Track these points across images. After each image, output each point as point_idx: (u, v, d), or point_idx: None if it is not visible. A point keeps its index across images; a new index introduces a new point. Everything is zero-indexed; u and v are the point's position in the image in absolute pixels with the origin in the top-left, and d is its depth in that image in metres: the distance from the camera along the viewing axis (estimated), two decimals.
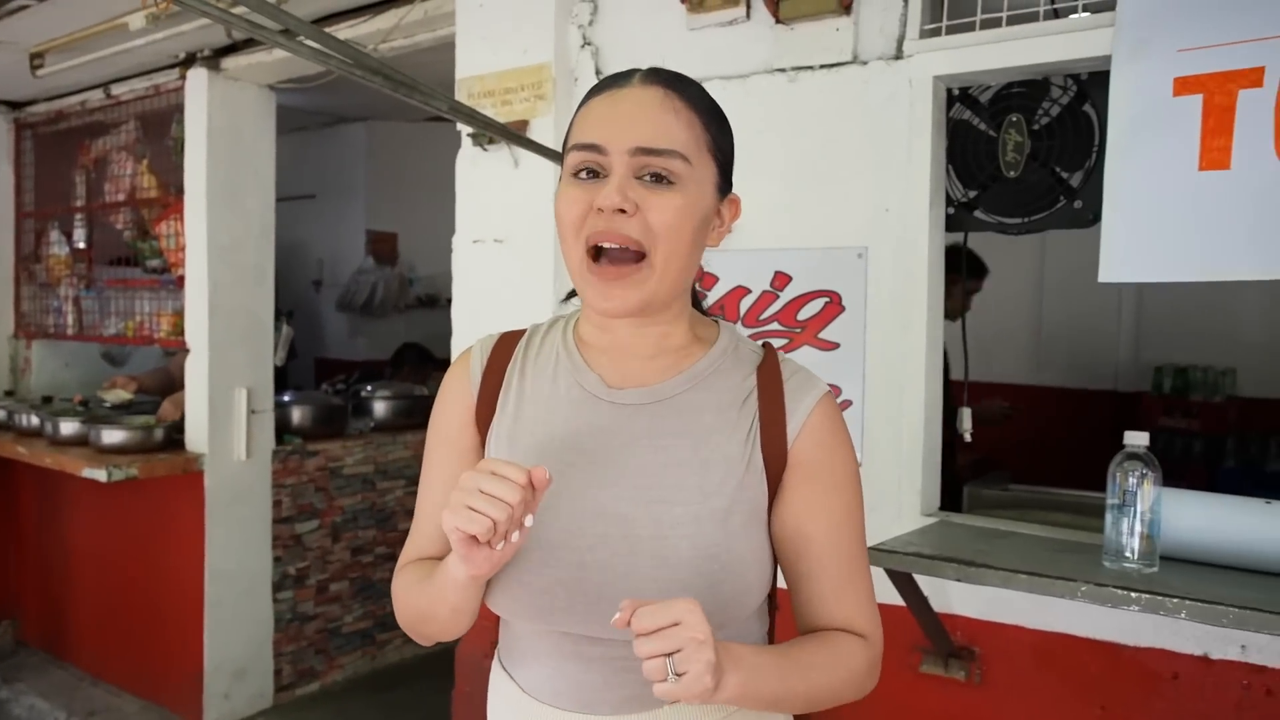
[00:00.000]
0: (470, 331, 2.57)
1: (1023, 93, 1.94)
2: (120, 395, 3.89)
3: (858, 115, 2.03)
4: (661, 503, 0.96)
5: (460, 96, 2.49)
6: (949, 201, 2.02)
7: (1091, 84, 1.84)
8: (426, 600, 1.01)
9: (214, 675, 3.53)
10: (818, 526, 1.00)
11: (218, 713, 3.55)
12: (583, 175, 0.97)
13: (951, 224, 2.03)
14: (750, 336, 2.18)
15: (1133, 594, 1.37)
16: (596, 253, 0.96)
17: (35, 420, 3.80)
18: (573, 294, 1.18)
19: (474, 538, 0.85)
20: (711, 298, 2.19)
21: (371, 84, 1.59)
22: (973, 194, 2.02)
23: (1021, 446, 3.66)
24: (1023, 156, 1.93)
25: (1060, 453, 4.23)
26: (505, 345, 1.10)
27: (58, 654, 4.19)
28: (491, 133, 2.12)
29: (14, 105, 4.38)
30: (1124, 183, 1.64)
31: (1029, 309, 4.66)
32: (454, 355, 2.60)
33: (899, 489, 1.97)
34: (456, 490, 0.85)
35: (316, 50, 1.56)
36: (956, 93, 2.00)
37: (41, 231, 4.37)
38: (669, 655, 0.80)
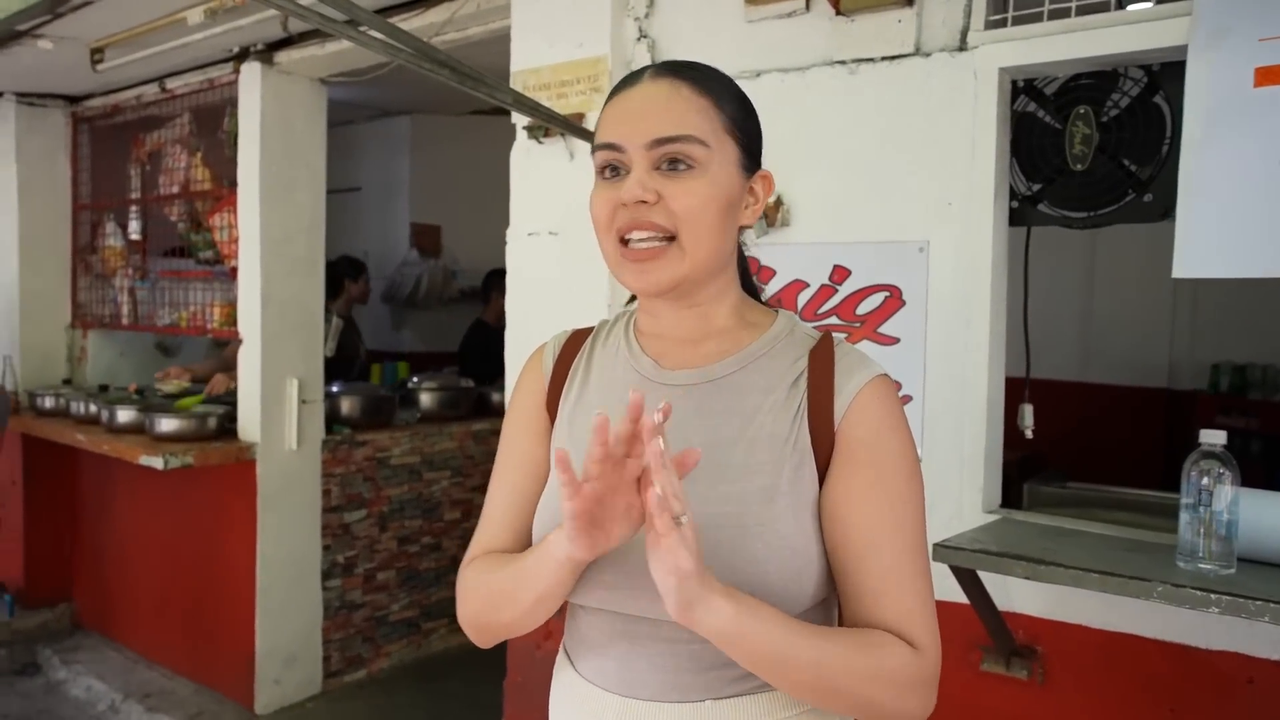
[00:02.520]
0: (524, 323, 2.58)
1: (1091, 84, 1.90)
2: (175, 385, 3.97)
3: (920, 108, 2.01)
4: (706, 480, 0.96)
5: (516, 88, 2.50)
6: (1012, 195, 1.99)
7: (1164, 75, 1.81)
8: (511, 585, 1.00)
9: (265, 661, 3.59)
10: (858, 514, 0.96)
11: (269, 697, 3.61)
12: (607, 174, 1.01)
13: (1015, 218, 2.00)
14: None
15: (1213, 595, 1.34)
16: (626, 241, 1.00)
17: (92, 408, 3.88)
18: (634, 298, 1.18)
19: (590, 523, 0.87)
20: (769, 290, 2.18)
21: (438, 76, 1.60)
22: (1037, 187, 1.98)
23: (1071, 444, 3.61)
24: (1090, 149, 1.89)
25: (1111, 451, 4.18)
26: (576, 340, 1.16)
27: (114, 637, 4.29)
28: (555, 125, 2.13)
29: (71, 99, 4.47)
30: (1201, 176, 1.60)
31: (1079, 304, 4.59)
32: (508, 346, 2.61)
33: (960, 486, 1.95)
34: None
35: (385, 43, 1.57)
36: (1021, 85, 1.97)
37: (98, 223, 4.46)
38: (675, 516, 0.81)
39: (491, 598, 1.03)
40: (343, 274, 4.77)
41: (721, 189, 0.99)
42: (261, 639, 3.58)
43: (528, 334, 2.51)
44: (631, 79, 1.04)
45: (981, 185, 1.94)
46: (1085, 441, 3.97)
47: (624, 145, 0.99)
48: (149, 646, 4.09)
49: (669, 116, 0.98)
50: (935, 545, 1.62)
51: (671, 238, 0.98)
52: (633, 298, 1.18)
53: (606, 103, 1.05)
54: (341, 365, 4.39)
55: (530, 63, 2.51)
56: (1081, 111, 1.90)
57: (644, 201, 0.97)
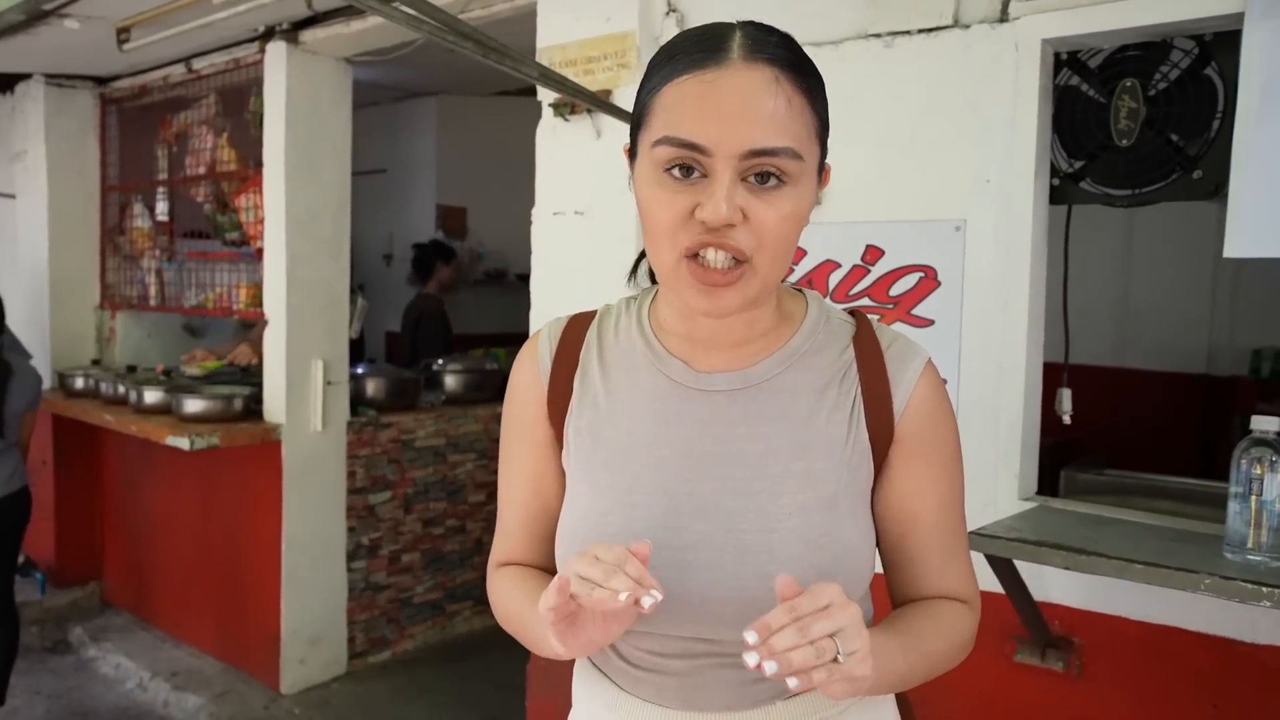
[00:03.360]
0: (550, 304, 2.54)
1: (1138, 56, 1.83)
2: (201, 368, 3.98)
3: (958, 82, 1.94)
4: (765, 494, 0.91)
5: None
6: (1053, 172, 1.93)
7: (1216, 45, 1.73)
8: (522, 625, 0.99)
9: (290, 641, 3.61)
10: (925, 505, 0.97)
11: (294, 678, 3.63)
12: (676, 173, 0.85)
13: (1055, 196, 1.93)
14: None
15: (1264, 589, 1.29)
16: (693, 256, 0.87)
17: (120, 389, 3.90)
18: (637, 266, 1.09)
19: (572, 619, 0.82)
20: (800, 271, 2.13)
21: (463, 49, 1.56)
22: (1079, 164, 1.92)
23: (1106, 431, 3.52)
24: (1136, 124, 1.82)
25: (1148, 437, 4.08)
26: (575, 330, 1.03)
27: (142, 615, 4.33)
28: (582, 100, 2.08)
29: (100, 80, 4.47)
30: (1256, 151, 1.53)
31: (1115, 287, 4.48)
32: (533, 329, 2.58)
33: (996, 472, 1.89)
34: (560, 574, 0.80)
35: (410, 15, 1.54)
36: (1065, 57, 1.90)
37: (126, 204, 4.47)
38: (833, 635, 0.75)
39: (511, 625, 1.02)
40: (434, 256, 4.80)
41: (805, 203, 0.88)
42: (286, 619, 3.59)
43: (553, 316, 2.47)
44: (714, 52, 0.85)
45: (1021, 162, 1.87)
46: (1121, 428, 3.88)
47: (712, 150, 0.82)
48: (176, 625, 4.13)
49: (772, 123, 0.83)
50: (972, 534, 1.57)
51: (743, 259, 0.86)
52: (635, 266, 1.09)
53: (675, 73, 0.86)
54: (436, 348, 4.43)
55: (557, 39, 2.47)
56: (1128, 84, 1.82)
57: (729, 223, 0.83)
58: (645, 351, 0.99)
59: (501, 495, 1.08)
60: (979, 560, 1.60)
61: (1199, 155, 1.76)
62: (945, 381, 1.94)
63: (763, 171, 0.84)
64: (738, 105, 0.83)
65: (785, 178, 0.84)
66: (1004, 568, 1.66)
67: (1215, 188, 1.73)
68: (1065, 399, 2.00)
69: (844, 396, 0.95)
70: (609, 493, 0.96)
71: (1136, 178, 1.83)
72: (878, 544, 1.00)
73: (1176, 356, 4.38)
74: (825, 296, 2.09)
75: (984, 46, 1.91)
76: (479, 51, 1.55)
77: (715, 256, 0.85)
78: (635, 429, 0.97)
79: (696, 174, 0.84)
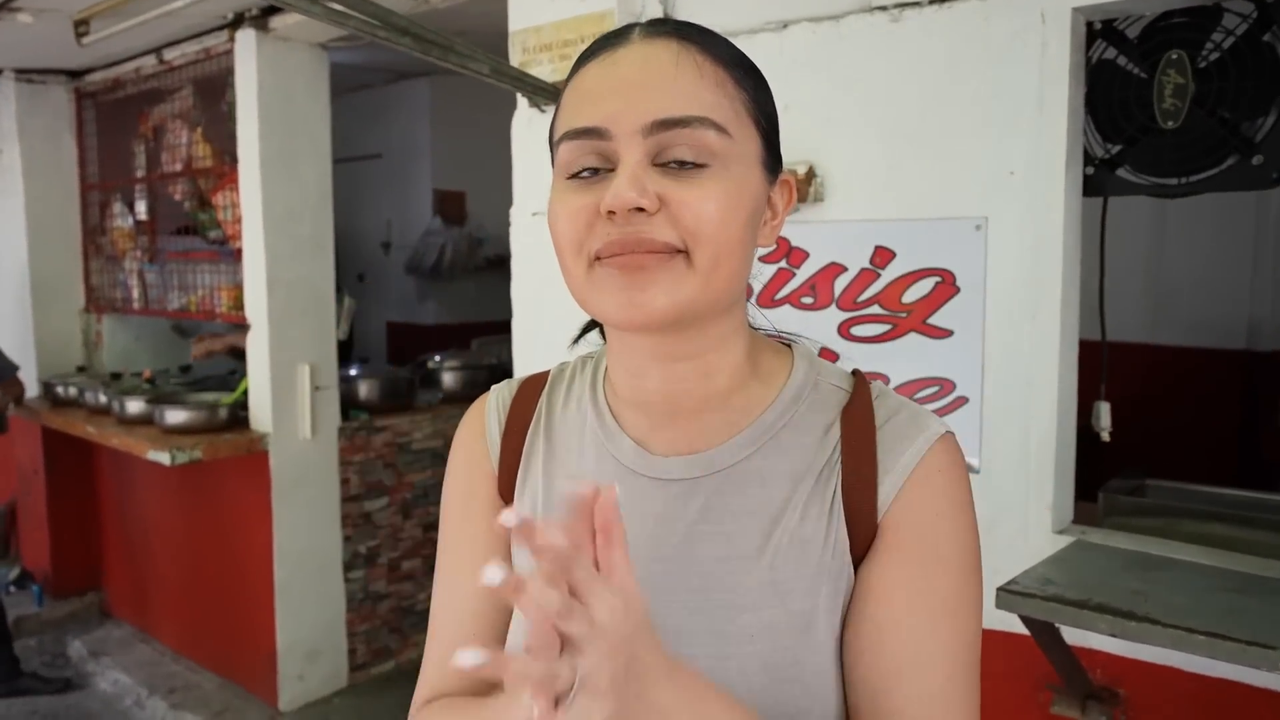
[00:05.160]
0: (532, 312, 2.34)
1: (1185, 23, 1.59)
2: (207, 350, 3.89)
3: (976, 60, 1.71)
4: (723, 609, 0.72)
5: (515, 51, 2.23)
6: (1087, 160, 1.69)
7: (1278, 7, 1.49)
8: None
9: (287, 656, 3.48)
10: (896, 613, 0.71)
11: (292, 693, 3.50)
12: (583, 174, 0.71)
13: (1089, 187, 1.70)
14: (845, 323, 1.91)
15: None
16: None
17: (104, 398, 3.75)
18: (585, 332, 0.90)
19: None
20: (802, 276, 1.91)
21: (400, 46, 1.35)
22: (1116, 149, 1.68)
23: (1141, 413, 3.29)
24: (1184, 102, 1.58)
25: (1186, 418, 3.85)
26: (526, 397, 0.86)
27: (142, 627, 4.22)
28: (541, 97, 1.87)
29: (73, 74, 4.28)
30: None
31: (1147, 259, 4.21)
32: (515, 338, 2.38)
33: (1026, 502, 1.68)
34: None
35: (335, 11, 1.33)
36: (1099, 27, 1.66)
37: (106, 204, 4.30)
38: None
39: None
40: None
41: (746, 194, 0.71)
42: (282, 634, 3.46)
43: (536, 323, 2.28)
44: (614, 39, 0.74)
45: (1050, 149, 1.64)
46: (1157, 409, 3.65)
47: (610, 129, 0.68)
48: (175, 638, 4.02)
49: (678, 90, 0.69)
50: (999, 590, 1.37)
51: (676, 250, 0.69)
52: (581, 334, 0.90)
53: (574, 72, 0.74)
54: None
55: (530, 21, 2.24)
56: (1174, 57, 1.58)
57: (640, 209, 0.67)
58: (595, 427, 0.81)
59: (439, 599, 0.86)
60: (1009, 617, 1.41)
61: (1259, 138, 1.52)
62: (964, 402, 1.73)
63: (681, 159, 0.69)
64: (637, 75, 0.70)
65: (710, 158, 0.69)
66: (1038, 623, 1.46)
67: (1278, 175, 1.50)
68: (1103, 414, 1.78)
69: (824, 485, 0.74)
70: None
71: (1185, 164, 1.60)
72: (845, 681, 0.75)
73: (1214, 332, 4.12)
74: (830, 304, 1.88)
75: (1005, 18, 1.67)
76: (417, 48, 1.34)
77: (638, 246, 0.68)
78: None
79: (603, 170, 0.70)
